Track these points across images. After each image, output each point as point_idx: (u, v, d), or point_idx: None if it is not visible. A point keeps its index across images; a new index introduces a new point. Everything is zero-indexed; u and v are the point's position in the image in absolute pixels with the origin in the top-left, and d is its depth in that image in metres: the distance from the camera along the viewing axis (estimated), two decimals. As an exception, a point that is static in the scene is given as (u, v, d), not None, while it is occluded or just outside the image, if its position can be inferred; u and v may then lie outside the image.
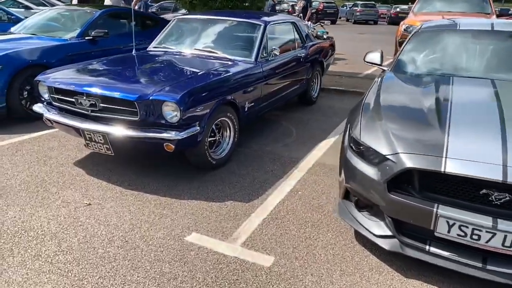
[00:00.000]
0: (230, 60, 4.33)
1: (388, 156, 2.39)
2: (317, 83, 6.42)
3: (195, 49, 4.60)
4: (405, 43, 3.97)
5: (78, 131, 3.53)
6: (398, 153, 2.36)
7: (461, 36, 3.80)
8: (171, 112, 3.26)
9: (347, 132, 2.86)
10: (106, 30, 5.87)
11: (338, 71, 9.00)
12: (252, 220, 3.03)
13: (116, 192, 3.41)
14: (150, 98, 3.24)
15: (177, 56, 4.45)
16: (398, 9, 31.00)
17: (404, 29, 8.07)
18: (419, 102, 2.85)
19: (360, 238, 2.83)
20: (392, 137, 2.48)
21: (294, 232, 2.90)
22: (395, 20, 30.68)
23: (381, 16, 32.66)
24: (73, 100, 3.49)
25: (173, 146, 3.30)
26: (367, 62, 4.05)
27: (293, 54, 5.25)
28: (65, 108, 3.63)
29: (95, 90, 3.35)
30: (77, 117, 3.57)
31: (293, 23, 5.57)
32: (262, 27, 4.67)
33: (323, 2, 29.36)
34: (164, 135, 3.26)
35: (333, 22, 28.36)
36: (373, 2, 33.69)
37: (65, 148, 4.31)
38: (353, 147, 2.70)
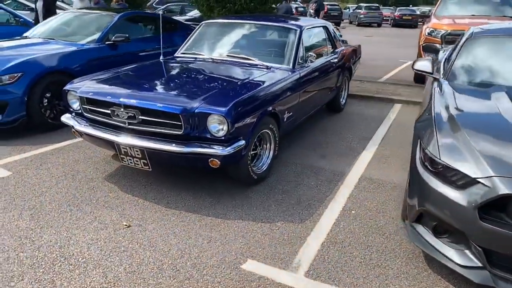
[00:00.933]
0: (266, 67, 4.08)
1: (479, 180, 2.14)
2: (346, 89, 6.18)
3: (227, 55, 4.34)
4: (456, 50, 3.72)
5: (112, 145, 3.28)
6: (492, 176, 2.11)
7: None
8: (217, 125, 3.01)
9: (419, 149, 2.61)
10: (127, 35, 5.61)
11: (357, 76, 8.74)
12: (310, 244, 2.78)
13: (156, 211, 3.16)
14: (196, 111, 2.99)
15: (210, 63, 4.19)
16: (401, 12, 30.99)
17: (428, 33, 7.82)
18: (500, 116, 2.60)
19: (434, 265, 2.57)
20: (480, 157, 2.22)
21: (359, 259, 2.64)
22: (399, 23, 30.64)
23: (385, 18, 32.51)
24: (108, 111, 3.23)
25: (219, 162, 3.04)
26: (416, 70, 3.80)
27: (326, 60, 5.01)
28: (98, 119, 3.37)
29: (134, 101, 3.10)
30: (111, 129, 3.31)
31: (325, 27, 5.32)
32: (298, 31, 4.42)
33: (327, 5, 29.19)
34: (210, 150, 3.01)
35: (337, 25, 28.18)
36: (377, 5, 33.56)
37: (92, 161, 4.05)
38: (428, 166, 2.45)
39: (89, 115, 3.42)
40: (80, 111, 3.53)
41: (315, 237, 2.87)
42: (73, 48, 5.19)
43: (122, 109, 3.14)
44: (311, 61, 4.44)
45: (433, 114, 2.78)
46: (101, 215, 3.08)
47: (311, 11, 11.92)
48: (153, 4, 18.99)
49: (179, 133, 3.04)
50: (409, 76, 8.97)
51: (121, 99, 3.14)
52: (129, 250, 2.67)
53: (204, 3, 7.88)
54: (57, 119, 4.79)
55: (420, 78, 8.21)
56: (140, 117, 3.11)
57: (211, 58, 4.33)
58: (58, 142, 4.54)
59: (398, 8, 33.92)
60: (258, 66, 4.10)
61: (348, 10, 36.82)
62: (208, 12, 8.00)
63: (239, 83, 3.52)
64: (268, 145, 3.71)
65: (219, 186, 3.55)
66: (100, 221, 3.00)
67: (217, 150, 3.00)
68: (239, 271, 2.49)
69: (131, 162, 3.30)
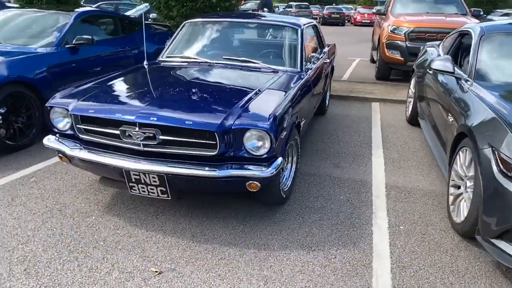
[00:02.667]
0: (273, 70, 3.68)
1: None
2: (329, 90, 5.95)
3: (225, 58, 3.85)
4: (473, 49, 3.59)
5: (119, 172, 2.68)
6: None
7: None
8: (255, 142, 2.56)
9: (494, 157, 2.37)
10: (90, 37, 4.86)
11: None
12: (379, 273, 2.44)
13: (184, 248, 2.63)
14: (233, 127, 2.51)
15: (211, 68, 3.67)
16: (330, 10, 32.00)
17: (391, 31, 7.88)
18: None
19: (519, 284, 2.37)
20: None
21: (440, 284, 2.36)
22: (328, 21, 31.56)
23: (313, 17, 33.29)
24: (116, 132, 2.63)
25: (259, 185, 2.60)
26: (436, 69, 3.63)
27: (321, 60, 4.71)
28: (98, 142, 2.74)
29: (155, 119, 2.53)
30: (117, 153, 2.71)
31: (314, 25, 5.02)
32: (299, 30, 4.07)
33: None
34: (251, 172, 2.55)
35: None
36: (307, 3, 34.27)
37: (77, 189, 3.36)
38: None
39: (85, 137, 2.78)
40: (68, 132, 2.87)
41: (380, 263, 2.54)
42: (29, 54, 4.35)
43: (137, 129, 2.56)
44: (314, 62, 4.11)
45: (497, 117, 2.57)
46: (119, 261, 2.48)
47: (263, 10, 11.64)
48: (81, 3, 17.46)
49: (213, 154, 2.54)
50: (368, 73, 9.06)
51: (137, 117, 2.55)
52: (175, 306, 2.14)
53: (162, 1, 7.22)
54: (15, 139, 4.00)
55: (384, 75, 8.29)
56: (160, 137, 2.55)
57: (207, 62, 3.81)
58: (24, 168, 3.75)
59: (326, 7, 34.94)
60: (263, 69, 3.68)
61: (277, 8, 37.19)
62: (165, 10, 7.35)
63: (261, 91, 3.06)
64: (291, 158, 3.31)
65: (241, 209, 3.10)
66: (121, 269, 2.41)
67: (259, 171, 2.55)
68: (320, 318, 2.09)
69: (143, 191, 2.73)
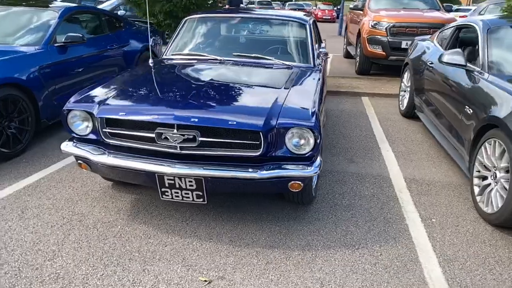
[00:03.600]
0: (288, 66, 3.60)
1: None
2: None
3: (234, 54, 3.73)
4: (482, 43, 3.66)
5: (151, 177, 2.51)
6: None
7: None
8: (298, 140, 2.48)
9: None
10: (81, 35, 4.58)
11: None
12: (430, 268, 2.43)
13: (225, 254, 2.51)
14: (277, 126, 2.41)
15: (226, 66, 3.52)
16: (291, 7, 32.28)
17: (371, 26, 7.99)
18: None
19: (562, 270, 2.43)
20: None
21: (491, 275, 2.38)
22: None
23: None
24: (151, 135, 2.46)
25: (302, 185, 2.52)
26: (447, 63, 3.68)
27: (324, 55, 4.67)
28: (127, 146, 2.56)
29: (196, 120, 2.38)
30: (148, 157, 2.54)
31: (314, 21, 4.97)
32: (307, 25, 4.02)
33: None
34: (294, 172, 2.47)
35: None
36: (269, 0, 34.34)
37: (91, 197, 3.15)
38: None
39: (112, 141, 2.58)
40: (89, 137, 2.66)
41: (426, 257, 2.53)
42: (18, 54, 4.03)
43: (175, 131, 2.40)
44: (322, 58, 4.07)
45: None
46: (161, 272, 2.33)
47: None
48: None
49: (257, 154, 2.43)
50: (347, 68, 9.18)
51: (175, 119, 2.39)
52: (237, 316, 2.03)
53: (143, -2, 6.94)
54: (9, 146, 3.71)
55: (365, 70, 8.40)
56: (200, 139, 2.42)
57: (217, 59, 3.67)
58: (24, 177, 3.47)
59: (287, 3, 35.24)
60: (275, 65, 3.59)
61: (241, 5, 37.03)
62: (143, 6, 7.06)
63: (289, 88, 2.96)
64: (316, 155, 3.25)
65: (271, 210, 3.01)
66: (166, 280, 2.27)
67: (303, 171, 2.47)
68: (388, 318, 2.05)
69: (177, 196, 2.58)
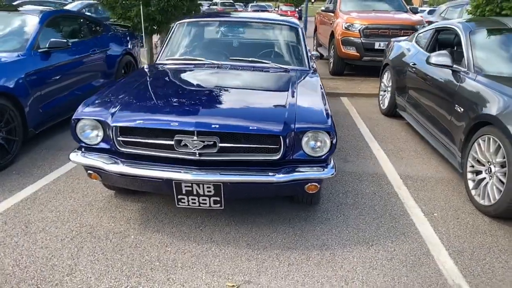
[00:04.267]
0: (285, 70, 3.66)
1: None
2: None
3: (233, 59, 3.75)
4: (465, 44, 3.87)
5: (168, 185, 2.50)
6: None
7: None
8: (314, 143, 2.54)
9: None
10: (65, 40, 4.44)
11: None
12: (442, 261, 2.56)
13: (246, 258, 2.53)
14: (296, 130, 2.47)
15: (225, 70, 3.53)
16: (254, 8, 32.55)
17: (345, 28, 8.20)
18: None
19: (560, 254, 2.63)
20: None
21: (499, 263, 2.54)
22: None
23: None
24: (170, 142, 2.44)
25: (319, 186, 2.59)
26: (435, 64, 3.87)
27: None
28: (143, 154, 2.53)
29: (217, 126, 2.39)
30: (164, 165, 2.52)
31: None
32: (300, 29, 4.10)
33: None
34: (313, 174, 2.53)
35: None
36: (231, 1, 34.41)
37: (95, 207, 3.07)
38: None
39: (126, 150, 2.54)
40: (100, 146, 2.61)
41: (437, 250, 2.66)
42: (3, 60, 3.85)
43: (195, 138, 2.40)
44: (314, 61, 4.17)
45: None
46: (187, 280, 2.32)
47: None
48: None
49: (276, 158, 2.47)
50: (319, 69, 9.34)
51: (196, 125, 2.39)
52: (273, 319, 2.06)
53: (119, 0, 6.79)
54: (-1, 157, 3.56)
55: (339, 71, 8.62)
56: (220, 145, 2.42)
57: (214, 64, 3.67)
58: (19, 190, 3.32)
59: (250, 5, 35.42)
60: (272, 69, 3.64)
61: (202, 6, 36.85)
62: (121, 10, 6.92)
63: (295, 91, 3.01)
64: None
65: (281, 212, 3.06)
66: (193, 287, 2.27)
67: (321, 173, 2.54)
68: (416, 310, 2.15)
69: (193, 203, 2.57)
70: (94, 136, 2.61)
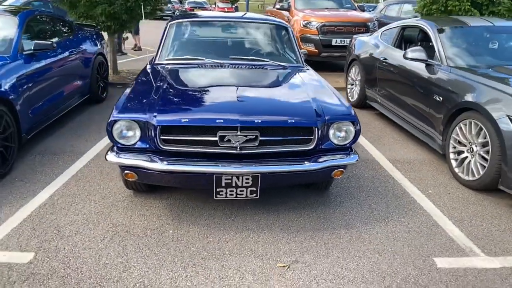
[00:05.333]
0: (283, 67, 3.90)
1: None
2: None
3: (233, 58, 3.91)
4: (436, 41, 4.37)
5: (208, 179, 2.65)
6: None
7: (482, 32, 4.50)
8: (340, 133, 2.83)
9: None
10: (50, 42, 4.32)
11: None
12: (449, 229, 2.98)
13: (287, 241, 2.75)
14: (326, 121, 2.73)
15: (232, 68, 3.68)
16: (191, 5, 32.33)
17: (303, 25, 8.62)
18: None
19: (537, 216, 3.16)
20: None
21: (504, 226, 3.00)
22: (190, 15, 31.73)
23: (175, 10, 33.13)
24: (214, 138, 2.59)
25: (344, 171, 2.89)
26: (411, 58, 4.33)
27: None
28: (185, 151, 2.65)
29: (259, 121, 2.58)
30: (205, 160, 2.67)
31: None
32: (289, 28, 4.36)
33: None
34: (343, 161, 2.82)
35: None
36: (167, -2, 33.78)
37: (121, 207, 3.11)
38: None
39: (169, 148, 2.64)
40: (137, 146, 2.68)
41: (442, 221, 3.07)
42: (-6, 64, 3.69)
43: (238, 133, 2.57)
44: (305, 58, 4.45)
45: (494, 93, 3.32)
46: (241, 265, 2.50)
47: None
48: None
49: (309, 148, 2.72)
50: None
51: (240, 121, 2.56)
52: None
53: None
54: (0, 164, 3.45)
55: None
56: (260, 138, 2.62)
57: (216, 62, 3.80)
58: (31, 197, 3.24)
59: (187, 1, 35.03)
60: (270, 66, 3.86)
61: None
62: (84, 8, 6.70)
63: (306, 86, 3.28)
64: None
65: (297, 199, 3.31)
66: (250, 271, 2.45)
67: (349, 159, 2.84)
68: (435, 268, 2.52)
69: (231, 194, 2.75)
70: (131, 136, 2.67)
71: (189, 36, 4.20)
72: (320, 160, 2.76)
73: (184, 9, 32.17)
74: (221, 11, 32.92)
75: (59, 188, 3.39)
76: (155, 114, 2.62)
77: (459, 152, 3.73)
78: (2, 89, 3.53)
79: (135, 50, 11.16)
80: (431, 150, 4.29)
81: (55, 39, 4.82)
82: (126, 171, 2.73)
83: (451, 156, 3.82)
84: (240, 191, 2.73)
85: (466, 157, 3.64)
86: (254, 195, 2.76)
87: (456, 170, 3.74)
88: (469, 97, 3.59)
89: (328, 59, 8.69)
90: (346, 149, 2.88)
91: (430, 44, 4.52)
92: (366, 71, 5.77)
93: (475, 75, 3.75)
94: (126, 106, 2.76)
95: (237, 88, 3.05)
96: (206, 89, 3.13)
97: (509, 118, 3.14)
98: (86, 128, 4.87)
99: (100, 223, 2.90)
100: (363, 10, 10.05)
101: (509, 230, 2.97)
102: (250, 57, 3.93)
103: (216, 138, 2.59)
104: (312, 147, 2.72)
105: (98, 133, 4.65)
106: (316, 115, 2.72)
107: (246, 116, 2.60)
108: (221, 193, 2.73)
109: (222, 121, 2.56)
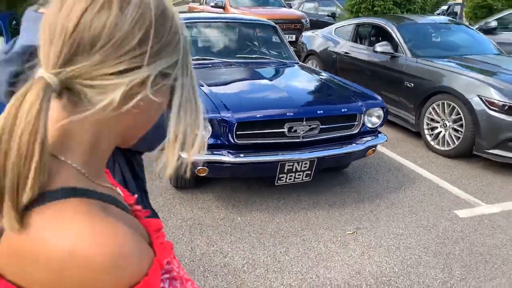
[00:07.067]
0: (284, 63, 4.32)
1: None
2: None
3: (237, 56, 4.20)
4: (399, 36, 5.14)
5: (273, 167, 2.98)
6: None
7: (427, 27, 5.39)
8: (372, 118, 3.35)
9: (482, 101, 3.93)
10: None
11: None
12: (451, 188, 3.71)
13: (342, 213, 3.21)
14: (365, 108, 3.23)
15: (245, 66, 3.98)
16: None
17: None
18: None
19: None
20: None
21: (486, 183, 3.82)
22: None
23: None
24: (283, 130, 2.91)
25: (375, 150, 3.43)
26: (380, 52, 5.05)
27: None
28: (257, 143, 2.94)
29: (321, 111, 2.98)
30: (271, 150, 2.99)
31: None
32: (278, 27, 4.75)
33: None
34: (378, 141, 3.36)
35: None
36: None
37: (170, 205, 3.25)
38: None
39: (243, 141, 2.90)
40: (209, 143, 2.90)
41: (444, 184, 3.80)
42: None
43: (304, 123, 2.94)
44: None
45: (462, 78, 4.16)
46: (318, 237, 2.89)
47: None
48: None
49: (355, 132, 3.20)
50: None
51: (305, 113, 2.93)
52: (404, 245, 2.84)
53: None
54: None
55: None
56: (321, 126, 3.02)
57: (226, 61, 4.05)
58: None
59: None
60: (272, 63, 4.24)
61: None
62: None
63: (323, 79, 3.76)
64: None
65: (324, 187, 3.75)
66: (328, 240, 2.86)
67: (381, 139, 3.38)
68: (460, 218, 3.21)
69: (290, 179, 3.12)
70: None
71: (194, 36, 4.34)
72: (363, 141, 3.25)
73: None
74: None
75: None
76: (230, 111, 2.85)
77: (433, 128, 4.54)
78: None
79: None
80: (403, 128, 5.06)
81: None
82: (198, 167, 2.91)
83: (426, 132, 4.62)
84: (298, 175, 3.10)
85: (440, 131, 4.46)
86: (308, 178, 3.15)
87: (432, 143, 4.54)
88: (442, 82, 4.40)
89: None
90: (375, 131, 3.41)
91: (390, 39, 5.29)
92: (325, 64, 6.41)
93: (440, 63, 4.58)
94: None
95: (274, 84, 3.39)
96: (253, 86, 3.41)
97: (480, 98, 3.98)
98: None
99: (170, 219, 3.03)
100: (290, 7, 10.78)
101: (492, 183, 3.81)
102: (254, 56, 4.24)
103: (284, 130, 2.92)
104: (356, 131, 3.20)
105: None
106: (359, 103, 3.20)
107: (310, 109, 2.97)
108: (282, 178, 3.06)
109: (292, 114, 2.90)
